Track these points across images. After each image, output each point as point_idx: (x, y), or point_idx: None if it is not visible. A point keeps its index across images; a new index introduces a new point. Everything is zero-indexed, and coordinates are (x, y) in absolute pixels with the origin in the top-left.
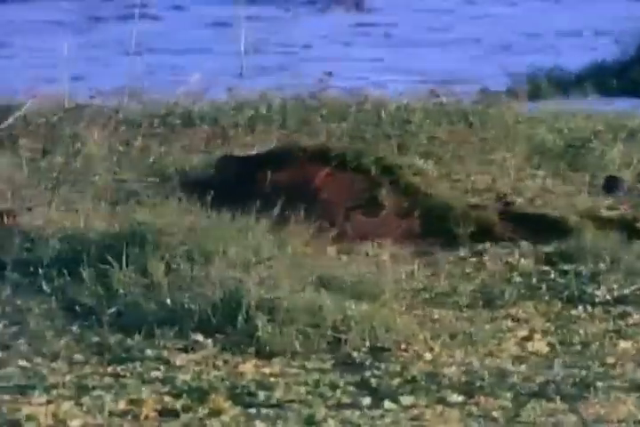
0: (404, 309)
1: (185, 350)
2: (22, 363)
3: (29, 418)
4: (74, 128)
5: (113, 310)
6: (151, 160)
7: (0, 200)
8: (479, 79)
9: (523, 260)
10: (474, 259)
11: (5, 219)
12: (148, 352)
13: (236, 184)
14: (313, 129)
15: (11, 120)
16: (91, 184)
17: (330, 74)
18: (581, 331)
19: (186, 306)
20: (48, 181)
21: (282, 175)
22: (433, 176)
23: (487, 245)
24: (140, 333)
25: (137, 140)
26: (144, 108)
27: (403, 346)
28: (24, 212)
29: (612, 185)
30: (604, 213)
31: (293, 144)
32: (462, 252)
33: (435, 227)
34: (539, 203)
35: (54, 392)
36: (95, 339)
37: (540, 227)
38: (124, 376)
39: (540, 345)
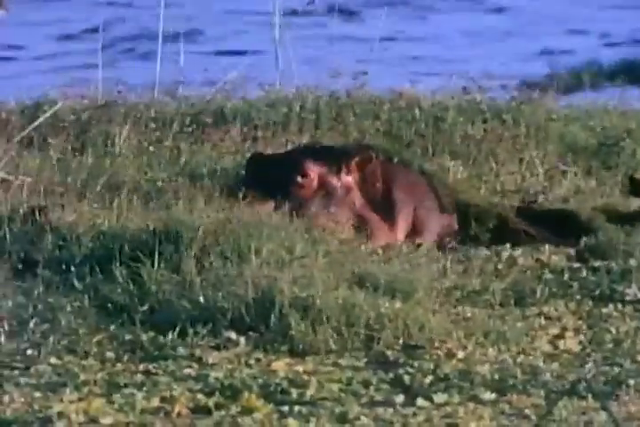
0: (437, 307)
1: (217, 348)
2: (53, 360)
3: (60, 415)
4: (104, 126)
5: (146, 307)
6: (182, 160)
7: (32, 197)
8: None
9: (553, 256)
10: (505, 256)
11: (37, 216)
12: (181, 350)
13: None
14: (346, 127)
15: (41, 120)
16: (122, 182)
17: (365, 73)
18: (612, 329)
19: (219, 304)
20: (79, 179)
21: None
22: (461, 175)
23: (508, 242)
24: (173, 331)
25: (168, 140)
26: (177, 105)
27: (436, 344)
28: (56, 209)
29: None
30: (625, 209)
31: (322, 142)
32: (488, 249)
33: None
34: (566, 201)
35: (85, 390)
36: (128, 337)
37: (557, 222)
38: (156, 374)
39: (571, 343)
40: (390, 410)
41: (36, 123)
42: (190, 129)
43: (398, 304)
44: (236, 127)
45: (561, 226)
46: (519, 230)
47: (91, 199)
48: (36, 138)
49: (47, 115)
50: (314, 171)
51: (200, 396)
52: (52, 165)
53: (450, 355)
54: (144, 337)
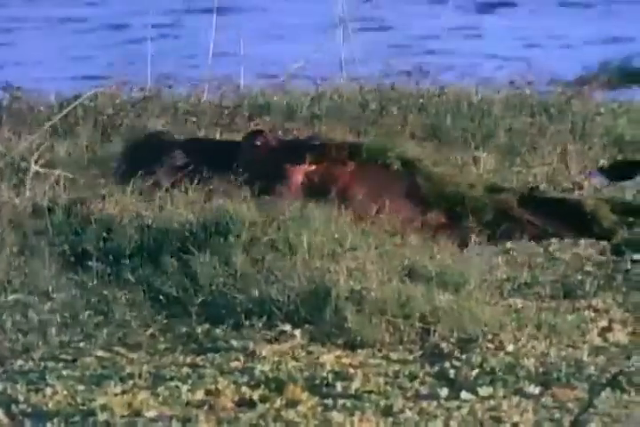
0: (488, 299)
1: (271, 341)
2: (101, 353)
3: (104, 408)
4: (138, 118)
5: (200, 300)
6: None
7: (70, 189)
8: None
9: (590, 249)
10: (540, 248)
11: (79, 208)
12: (234, 343)
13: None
14: (388, 120)
15: (70, 108)
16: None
17: None
18: None
19: (273, 297)
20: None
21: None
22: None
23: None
24: (227, 323)
25: (200, 131)
26: (223, 99)
27: (489, 337)
28: (97, 200)
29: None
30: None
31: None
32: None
33: (453, 214)
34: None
35: (130, 382)
36: (183, 329)
37: (559, 210)
38: (203, 367)
39: (620, 336)
40: (434, 403)
41: (65, 111)
42: (227, 121)
43: (450, 297)
44: (269, 119)
45: (564, 215)
46: (522, 221)
47: (131, 190)
48: (66, 129)
49: (78, 102)
50: (298, 173)
51: (245, 389)
52: (82, 154)
53: (499, 348)
54: (198, 330)
